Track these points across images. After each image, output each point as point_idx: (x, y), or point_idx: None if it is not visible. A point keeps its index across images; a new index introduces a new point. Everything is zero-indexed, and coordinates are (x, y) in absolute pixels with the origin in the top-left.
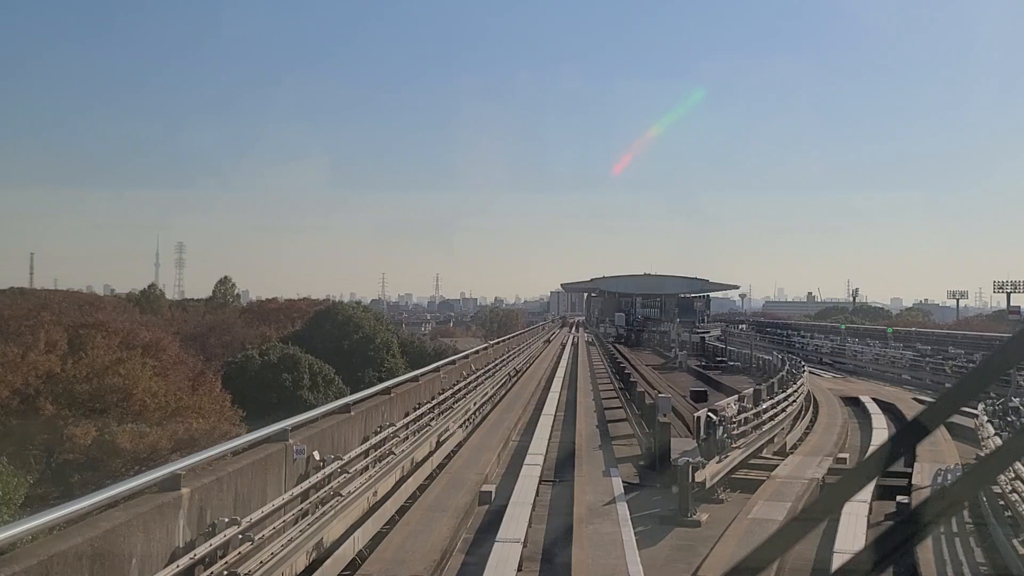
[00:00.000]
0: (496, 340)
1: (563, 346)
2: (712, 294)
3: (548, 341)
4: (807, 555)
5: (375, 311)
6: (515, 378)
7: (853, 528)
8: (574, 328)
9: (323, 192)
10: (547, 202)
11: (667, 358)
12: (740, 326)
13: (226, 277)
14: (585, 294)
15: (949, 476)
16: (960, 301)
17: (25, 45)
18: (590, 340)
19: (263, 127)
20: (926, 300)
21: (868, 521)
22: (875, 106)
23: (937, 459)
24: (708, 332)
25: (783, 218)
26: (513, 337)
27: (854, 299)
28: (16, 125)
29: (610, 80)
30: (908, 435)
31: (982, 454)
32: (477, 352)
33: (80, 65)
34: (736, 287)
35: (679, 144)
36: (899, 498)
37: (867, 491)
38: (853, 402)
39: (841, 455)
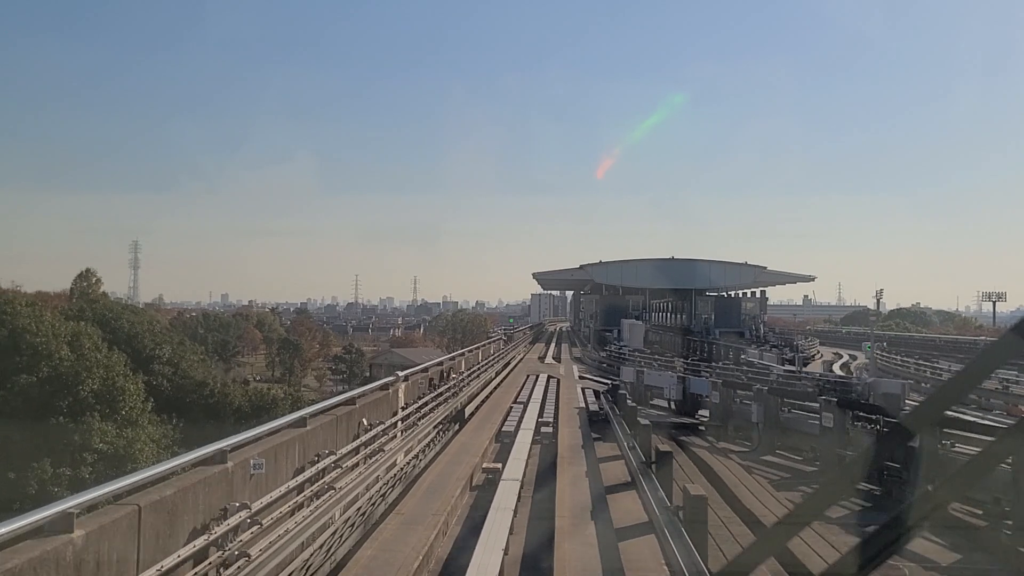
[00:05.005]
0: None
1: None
2: (712, 295)
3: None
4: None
5: (108, 313)
6: None
7: None
8: (553, 345)
9: (305, 195)
10: (531, 205)
11: None
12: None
13: (88, 270)
14: (570, 293)
15: None
16: (964, 307)
17: None
18: (596, 409)
19: (244, 128)
20: (918, 303)
21: None
22: (860, 110)
23: None
24: (804, 359)
25: (764, 221)
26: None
27: (878, 303)
28: None
29: (595, 83)
30: (892, 438)
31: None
32: None
33: (53, 59)
34: (810, 278)
35: (665, 147)
36: None
37: None
38: None
39: None
